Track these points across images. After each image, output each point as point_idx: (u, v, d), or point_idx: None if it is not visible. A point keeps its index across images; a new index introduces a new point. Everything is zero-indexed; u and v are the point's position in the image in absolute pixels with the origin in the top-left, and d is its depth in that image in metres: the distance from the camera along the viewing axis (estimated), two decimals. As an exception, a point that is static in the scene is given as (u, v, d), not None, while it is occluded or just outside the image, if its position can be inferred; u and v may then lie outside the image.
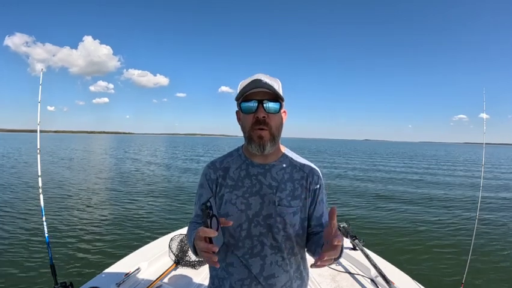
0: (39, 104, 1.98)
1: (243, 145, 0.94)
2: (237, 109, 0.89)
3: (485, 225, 5.71)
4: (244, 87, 0.83)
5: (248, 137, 0.85)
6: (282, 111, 0.86)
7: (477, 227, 2.17)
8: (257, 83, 0.81)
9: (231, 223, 0.76)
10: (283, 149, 0.94)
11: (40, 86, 1.98)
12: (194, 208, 0.96)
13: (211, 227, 0.65)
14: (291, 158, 0.93)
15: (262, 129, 0.81)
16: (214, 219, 0.67)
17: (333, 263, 0.87)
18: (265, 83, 0.80)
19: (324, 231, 0.69)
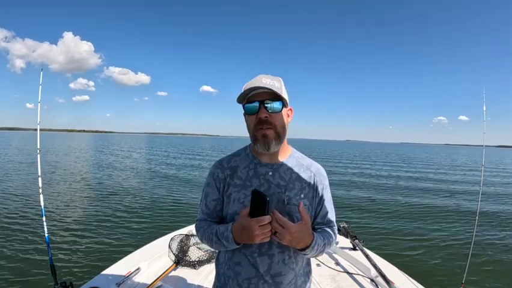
0: (39, 104, 1.97)
1: (250, 145, 0.95)
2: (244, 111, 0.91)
3: (485, 225, 5.71)
4: (244, 90, 0.84)
5: (253, 137, 0.86)
6: (286, 109, 0.87)
7: (477, 227, 2.17)
8: (257, 84, 0.82)
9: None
10: (290, 149, 0.95)
11: (40, 86, 1.97)
12: (200, 206, 0.96)
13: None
14: (298, 158, 0.94)
15: (266, 128, 0.82)
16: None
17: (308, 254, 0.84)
18: (266, 84, 0.81)
19: None
